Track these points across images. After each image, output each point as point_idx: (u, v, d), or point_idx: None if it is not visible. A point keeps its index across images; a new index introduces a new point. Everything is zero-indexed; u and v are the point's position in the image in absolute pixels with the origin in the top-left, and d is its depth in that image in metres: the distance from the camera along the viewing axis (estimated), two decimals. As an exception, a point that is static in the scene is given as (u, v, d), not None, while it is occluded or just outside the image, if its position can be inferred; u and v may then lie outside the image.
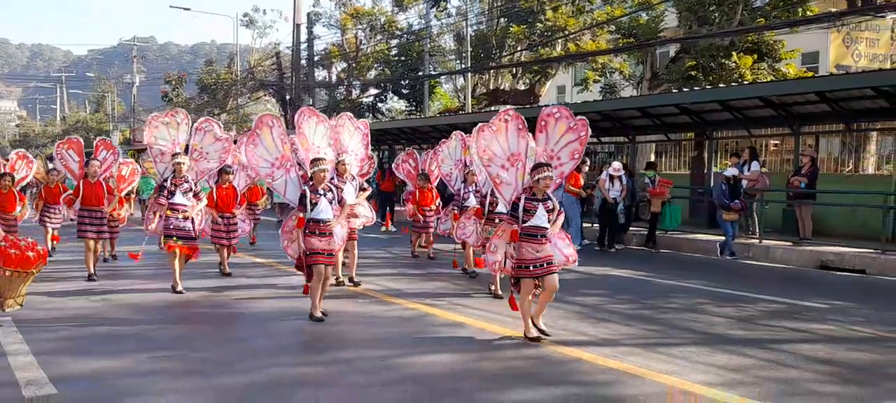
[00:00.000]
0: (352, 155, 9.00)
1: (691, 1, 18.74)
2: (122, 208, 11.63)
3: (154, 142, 9.16)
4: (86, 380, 5.24)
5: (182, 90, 49.42)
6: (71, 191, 10.08)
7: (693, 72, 18.41)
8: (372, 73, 35.53)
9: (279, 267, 10.85)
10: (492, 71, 27.83)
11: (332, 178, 8.05)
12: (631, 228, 14.36)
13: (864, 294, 9.38)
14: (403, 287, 9.29)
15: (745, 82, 16.42)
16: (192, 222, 8.71)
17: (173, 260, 8.64)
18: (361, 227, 9.36)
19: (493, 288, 8.49)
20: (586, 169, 14.53)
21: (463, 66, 27.18)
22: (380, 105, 35.32)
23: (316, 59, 36.04)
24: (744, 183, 13.22)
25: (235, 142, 10.69)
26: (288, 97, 35.66)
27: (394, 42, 33.40)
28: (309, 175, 7.30)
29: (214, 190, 9.89)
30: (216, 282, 9.44)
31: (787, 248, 12.38)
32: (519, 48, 27.08)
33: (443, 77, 31.87)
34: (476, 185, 9.77)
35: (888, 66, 24.19)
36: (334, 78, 37.09)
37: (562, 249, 6.47)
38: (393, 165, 13.68)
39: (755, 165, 14.03)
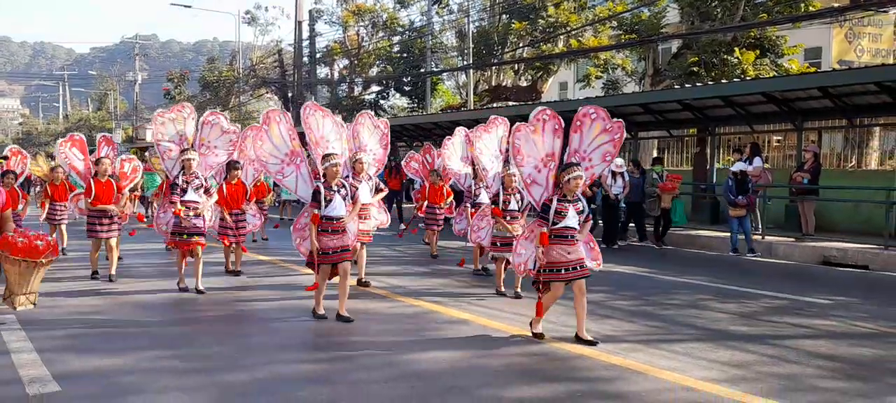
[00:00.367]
0: (370, 154, 8.80)
1: (693, -3, 18.69)
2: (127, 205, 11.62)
3: (160, 139, 9.13)
4: (89, 378, 5.24)
5: (184, 88, 49.36)
6: (80, 191, 10.04)
7: (695, 68, 18.36)
8: (374, 70, 35.51)
9: (283, 265, 10.86)
10: (494, 67, 27.78)
11: (348, 176, 7.92)
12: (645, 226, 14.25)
13: (866, 289, 9.39)
14: (408, 284, 9.30)
15: (748, 78, 16.35)
16: (203, 219, 8.70)
17: (180, 259, 8.64)
18: (375, 230, 9.22)
19: (512, 290, 8.37)
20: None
21: (465, 62, 27.14)
22: (382, 102, 35.27)
23: (318, 56, 36.04)
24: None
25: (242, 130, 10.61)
26: (290, 94, 35.66)
27: (396, 39, 33.36)
28: (321, 171, 7.10)
29: (224, 186, 9.87)
30: (220, 281, 9.44)
31: (789, 244, 12.38)
32: (521, 44, 27.04)
33: (445, 74, 31.84)
34: (486, 182, 9.65)
35: (891, 61, 24.07)
36: (336, 75, 37.08)
37: (591, 250, 6.61)
38: (403, 162, 13.65)
39: (758, 161, 14.01)
